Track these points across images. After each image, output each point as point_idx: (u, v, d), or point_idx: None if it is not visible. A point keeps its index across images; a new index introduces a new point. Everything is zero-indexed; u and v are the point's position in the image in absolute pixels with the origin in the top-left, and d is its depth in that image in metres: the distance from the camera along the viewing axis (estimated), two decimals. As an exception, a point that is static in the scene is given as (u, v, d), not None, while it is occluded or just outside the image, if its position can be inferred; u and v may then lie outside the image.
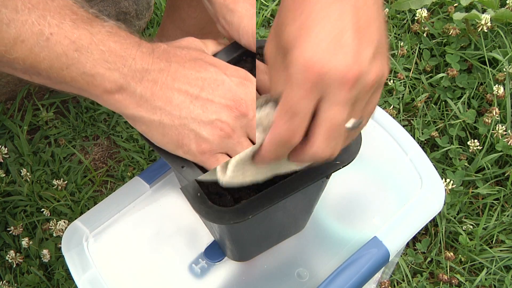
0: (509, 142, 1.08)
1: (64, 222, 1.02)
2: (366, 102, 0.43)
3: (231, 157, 0.51)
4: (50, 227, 1.03)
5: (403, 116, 1.20)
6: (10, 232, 1.04)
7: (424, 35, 1.30)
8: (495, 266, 1.00)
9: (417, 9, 1.29)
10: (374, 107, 0.45)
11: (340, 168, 0.52)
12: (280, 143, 0.43)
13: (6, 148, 1.12)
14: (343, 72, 0.39)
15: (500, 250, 1.03)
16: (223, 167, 0.48)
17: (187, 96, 0.50)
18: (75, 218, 0.66)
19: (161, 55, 0.51)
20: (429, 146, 1.16)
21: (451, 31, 1.24)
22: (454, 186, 1.06)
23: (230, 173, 0.47)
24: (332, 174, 0.55)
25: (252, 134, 0.52)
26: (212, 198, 0.51)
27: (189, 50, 0.53)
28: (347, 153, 0.52)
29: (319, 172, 0.51)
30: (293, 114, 0.41)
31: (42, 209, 1.06)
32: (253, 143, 0.51)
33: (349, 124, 0.43)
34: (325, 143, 0.42)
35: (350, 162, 0.52)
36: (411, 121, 1.20)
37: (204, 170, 0.53)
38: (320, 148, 0.43)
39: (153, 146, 0.53)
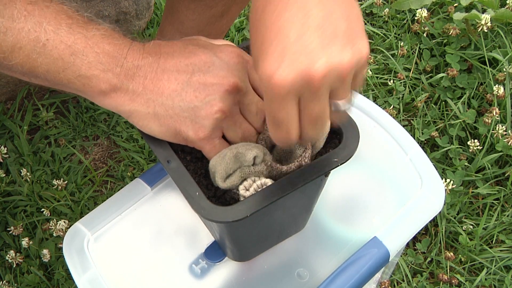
0: (509, 142, 1.08)
1: (64, 222, 1.02)
2: (350, 83, 0.44)
3: (227, 139, 0.53)
4: (50, 227, 1.02)
5: (403, 116, 1.20)
6: (10, 232, 1.04)
7: (424, 35, 1.30)
8: (495, 266, 1.00)
9: (417, 9, 1.29)
10: (361, 82, 0.46)
11: (338, 166, 0.52)
12: (281, 142, 0.47)
13: (6, 148, 1.12)
14: (306, 76, 0.40)
15: (500, 250, 1.03)
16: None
17: (178, 84, 0.51)
18: (75, 218, 0.66)
19: (151, 50, 0.52)
20: (429, 146, 1.16)
21: (451, 31, 1.24)
22: (454, 186, 1.06)
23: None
24: (332, 174, 0.55)
25: (247, 113, 0.53)
26: (210, 197, 0.51)
27: (183, 38, 0.54)
28: (345, 151, 0.52)
29: (318, 170, 0.51)
30: (278, 124, 0.44)
31: (42, 209, 1.06)
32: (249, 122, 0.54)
33: (340, 105, 0.45)
34: (311, 130, 0.46)
35: (348, 159, 0.52)
36: (411, 121, 1.20)
37: (194, 165, 0.54)
38: (309, 135, 0.46)
39: (148, 141, 0.54)
